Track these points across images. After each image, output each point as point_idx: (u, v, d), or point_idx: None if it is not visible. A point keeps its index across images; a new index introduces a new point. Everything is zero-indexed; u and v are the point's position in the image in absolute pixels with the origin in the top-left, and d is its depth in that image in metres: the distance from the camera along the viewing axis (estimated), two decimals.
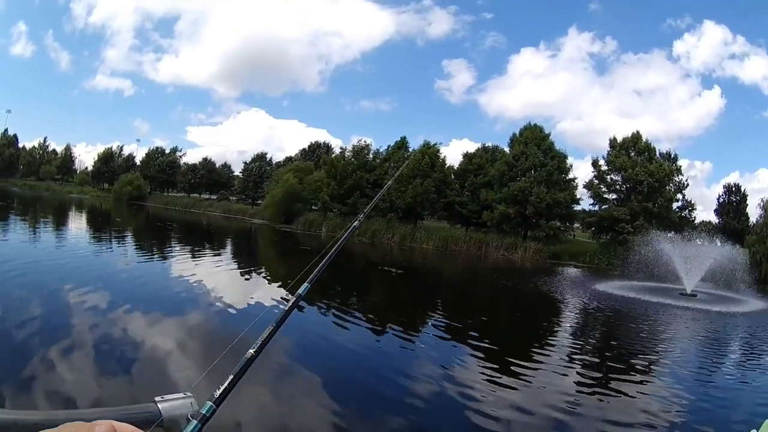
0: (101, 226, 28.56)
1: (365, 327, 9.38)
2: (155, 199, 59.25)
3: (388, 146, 42.48)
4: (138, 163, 66.72)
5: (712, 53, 70.67)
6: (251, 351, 0.92)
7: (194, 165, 63.50)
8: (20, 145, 72.43)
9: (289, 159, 57.26)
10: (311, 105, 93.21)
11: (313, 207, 43.03)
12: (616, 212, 32.54)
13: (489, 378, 6.64)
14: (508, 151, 38.12)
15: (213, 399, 0.81)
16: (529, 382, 6.63)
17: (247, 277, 14.69)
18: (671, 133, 69.87)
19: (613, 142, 35.86)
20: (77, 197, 58.15)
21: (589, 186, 35.54)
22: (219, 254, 20.33)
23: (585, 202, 36.29)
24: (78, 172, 72.99)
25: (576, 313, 13.88)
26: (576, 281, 22.98)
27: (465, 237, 35.43)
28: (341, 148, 46.64)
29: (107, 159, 67.22)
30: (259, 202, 52.09)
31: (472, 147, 50.95)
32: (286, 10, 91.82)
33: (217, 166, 64.07)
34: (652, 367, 8.08)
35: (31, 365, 5.20)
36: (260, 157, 59.74)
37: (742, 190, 45.23)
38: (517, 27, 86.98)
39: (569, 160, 36.33)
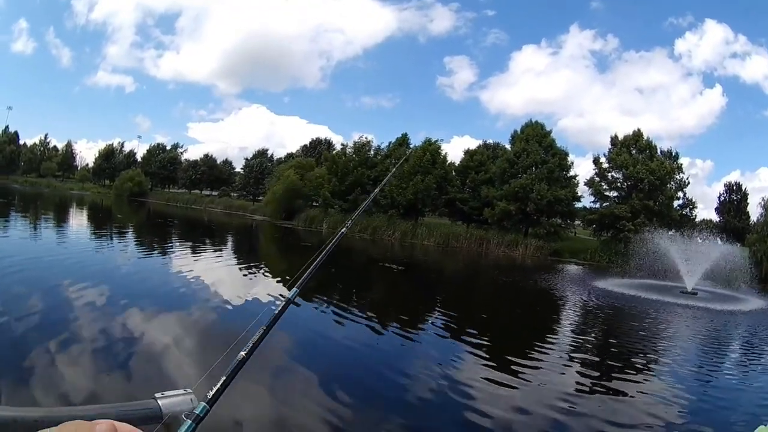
0: (102, 222, 28.61)
1: (366, 324, 9.38)
2: (156, 196, 59.34)
3: (390, 143, 42.47)
4: (139, 159, 66.90)
5: (713, 52, 70.74)
6: (242, 353, 0.93)
7: (195, 161, 63.62)
8: (21, 142, 72.85)
9: (290, 155, 57.31)
10: (312, 101, 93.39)
11: (314, 203, 43.04)
12: (617, 210, 32.52)
13: (489, 375, 6.64)
14: (509, 148, 38.11)
15: (206, 400, 0.81)
16: (529, 380, 6.62)
17: (248, 273, 14.69)
18: (672, 131, 70.01)
19: (614, 140, 35.83)
20: (78, 194, 58.24)
21: (590, 183, 35.53)
22: (220, 250, 20.34)
23: (586, 200, 36.42)
24: (79, 168, 73.11)
25: (576, 311, 13.87)
26: (577, 278, 22.98)
27: (466, 234, 35.44)
28: (342, 144, 46.76)
29: (108, 155, 67.28)
30: (260, 198, 52.14)
31: (473, 144, 51.08)
32: (288, 6, 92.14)
33: (218, 162, 64.15)
34: (652, 365, 8.07)
35: (30, 361, 5.20)
36: (261, 154, 59.74)
37: (743, 188, 45.38)
38: (518, 24, 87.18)
39: (570, 158, 36.38)
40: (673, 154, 35.34)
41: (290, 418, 4.87)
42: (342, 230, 1.57)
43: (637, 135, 35.14)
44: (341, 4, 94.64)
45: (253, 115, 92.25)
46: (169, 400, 0.87)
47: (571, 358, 8.03)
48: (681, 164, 34.80)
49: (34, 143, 74.07)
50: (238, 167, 62.77)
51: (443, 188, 38.40)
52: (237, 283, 12.31)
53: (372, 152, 41.71)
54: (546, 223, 34.14)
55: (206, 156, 63.89)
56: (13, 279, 9.21)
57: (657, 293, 16.75)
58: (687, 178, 34.47)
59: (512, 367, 7.08)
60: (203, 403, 0.80)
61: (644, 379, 7.13)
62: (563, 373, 7.12)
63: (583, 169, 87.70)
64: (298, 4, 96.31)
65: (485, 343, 8.52)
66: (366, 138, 42.64)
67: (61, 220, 26.89)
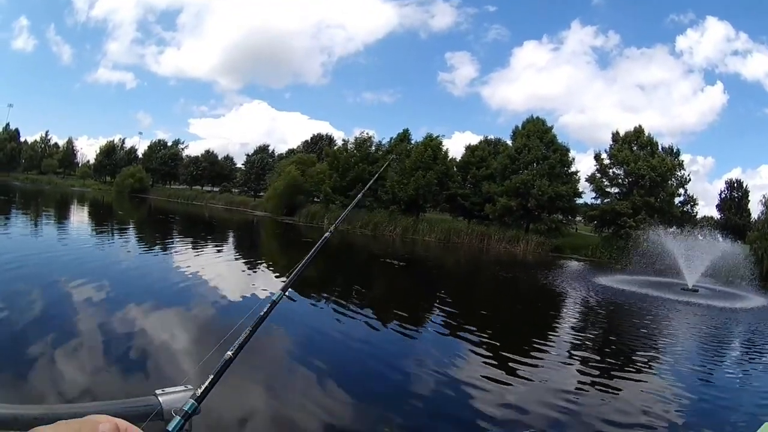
0: (103, 219, 28.63)
1: (366, 320, 9.38)
2: (157, 192, 59.39)
3: (391, 138, 42.49)
4: (140, 155, 66.85)
5: (714, 49, 70.19)
6: (229, 353, 0.95)
7: (196, 157, 63.55)
8: (22, 139, 72.77)
9: (291, 151, 57.23)
10: (314, 97, 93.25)
11: (316, 199, 43.04)
12: (618, 206, 32.47)
13: (490, 372, 6.64)
14: (510, 144, 38.00)
15: (195, 397, 0.83)
16: (530, 376, 6.62)
17: (249, 268, 14.71)
18: (674, 128, 69.81)
19: (615, 136, 35.72)
20: (79, 190, 58.31)
21: (591, 179, 35.45)
22: (221, 247, 20.35)
23: (587, 196, 36.33)
24: (80, 165, 73.18)
25: (577, 307, 13.87)
26: (578, 275, 22.98)
27: (467, 229, 35.43)
28: (344, 140, 46.64)
29: (109, 152, 67.20)
30: (262, 194, 52.13)
31: (474, 139, 50.82)
32: (289, 2, 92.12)
33: (220, 158, 64.07)
34: (653, 363, 8.06)
35: (29, 358, 5.20)
36: (262, 149, 59.70)
37: (744, 186, 45.19)
38: (520, 20, 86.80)
39: (571, 154, 36.26)
40: (675, 150, 35.27)
41: (291, 415, 4.88)
42: (326, 234, 1.60)
43: (639, 131, 35.04)
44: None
45: (254, 111, 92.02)
46: (169, 397, 0.88)
47: (571, 355, 8.04)
48: (682, 161, 34.76)
49: (35, 140, 74.18)
50: (239, 163, 62.87)
51: (444, 184, 38.39)
52: (238, 279, 12.33)
53: (373, 148, 41.68)
54: (547, 219, 34.10)
55: (207, 152, 63.92)
56: (12, 275, 9.22)
57: (658, 290, 16.74)
58: (688, 175, 34.45)
59: (513, 363, 7.08)
60: (192, 400, 0.82)
61: (645, 377, 7.12)
62: (564, 370, 7.13)
63: (584, 165, 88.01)
64: (300, 0, 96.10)
65: (486, 339, 8.52)
66: (367, 134, 42.67)
67: (61, 217, 26.93)
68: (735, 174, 70.75)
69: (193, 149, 72.21)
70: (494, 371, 6.71)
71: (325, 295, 10.90)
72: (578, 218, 39.24)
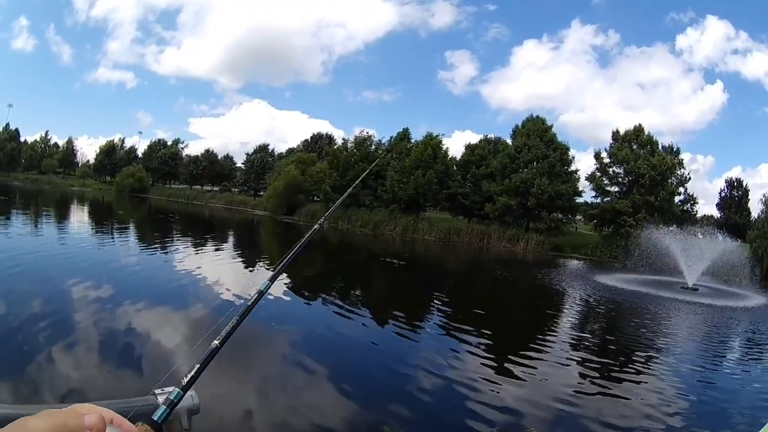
0: (102, 218, 28.62)
1: (367, 319, 9.38)
2: (157, 191, 59.37)
3: (391, 137, 42.48)
4: (140, 155, 66.81)
5: (714, 48, 70.56)
6: (216, 342, 0.94)
7: (196, 157, 63.54)
8: (22, 139, 72.79)
9: (291, 150, 57.23)
10: (314, 96, 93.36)
11: (315, 198, 43.04)
12: (618, 205, 32.48)
13: (490, 372, 6.64)
14: (510, 143, 38.01)
15: (180, 386, 0.83)
16: (530, 376, 6.61)
17: (249, 267, 14.71)
18: (673, 126, 70.00)
19: (615, 135, 35.72)
20: (79, 190, 58.27)
21: (591, 178, 35.45)
22: (221, 245, 20.35)
23: (587, 195, 36.32)
24: (80, 165, 73.14)
25: (577, 306, 13.86)
26: (578, 273, 22.99)
27: (467, 228, 35.44)
28: (343, 139, 46.65)
29: (109, 152, 67.20)
30: (261, 193, 52.14)
31: (474, 138, 50.96)
32: (289, 1, 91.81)
33: (220, 157, 64.06)
34: (653, 363, 8.04)
35: (28, 358, 5.18)
36: (262, 149, 59.68)
37: (744, 184, 45.32)
38: (520, 19, 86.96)
39: (571, 152, 36.28)
40: (674, 149, 35.26)
41: (291, 415, 4.87)
42: (315, 226, 1.60)
43: (639, 130, 35.03)
44: None
45: (254, 110, 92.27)
46: (168, 396, 0.87)
47: (572, 354, 8.03)
48: (682, 160, 34.72)
49: (35, 140, 74.18)
50: (239, 162, 62.91)
51: (444, 183, 38.38)
52: (237, 278, 12.32)
53: (373, 147, 41.66)
54: (547, 218, 34.10)
55: (207, 151, 63.93)
56: (10, 273, 9.22)
57: (658, 289, 16.75)
58: (688, 174, 34.43)
59: (513, 363, 7.08)
60: (177, 389, 0.82)
61: (645, 377, 7.10)
62: (564, 370, 7.11)
63: (584, 164, 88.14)
64: None
65: (486, 338, 8.52)
66: (367, 132, 42.66)
67: (61, 216, 26.91)
68: (735, 173, 70.93)
69: (193, 148, 72.54)
70: (494, 371, 6.71)
71: (325, 294, 10.89)
72: (578, 217, 39.22)
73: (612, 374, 7.10)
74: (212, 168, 62.29)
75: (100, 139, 74.63)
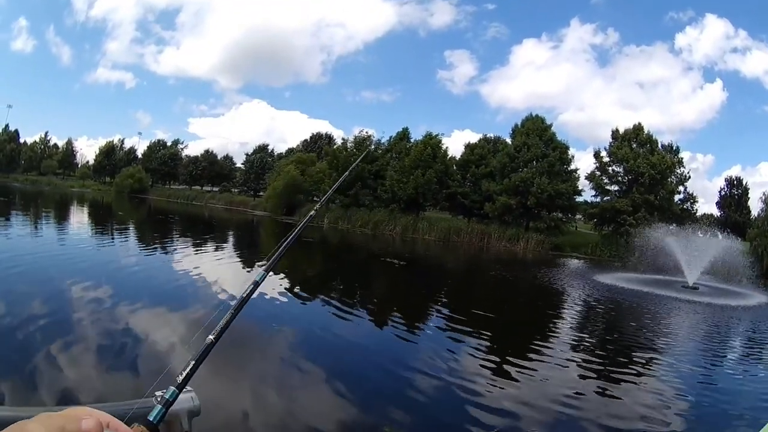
0: (102, 219, 28.60)
1: (367, 319, 9.38)
2: (157, 192, 59.35)
3: (390, 137, 42.45)
4: (139, 156, 66.75)
5: (714, 47, 70.28)
6: (210, 337, 0.93)
7: (196, 157, 63.46)
8: (21, 140, 72.75)
9: (290, 150, 57.21)
10: (313, 96, 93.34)
11: (315, 198, 43.00)
12: (618, 204, 32.49)
13: (491, 370, 6.64)
14: (509, 142, 38.01)
15: (176, 384, 0.81)
16: (530, 376, 6.60)
17: (248, 266, 14.69)
18: (673, 125, 69.99)
19: (615, 134, 35.73)
20: (79, 191, 58.21)
21: (590, 177, 35.44)
22: (220, 246, 20.32)
23: (587, 194, 36.32)
24: (79, 166, 73.02)
25: (578, 306, 13.85)
26: (578, 273, 22.97)
27: (467, 228, 35.43)
28: (343, 138, 46.70)
29: (109, 152, 67.10)
30: (261, 193, 52.09)
31: (473, 138, 50.75)
32: (289, 1, 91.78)
33: (219, 157, 63.98)
34: (653, 363, 8.03)
35: (28, 360, 5.17)
36: (262, 149, 59.61)
37: (744, 183, 45.32)
38: (519, 18, 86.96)
39: (571, 152, 36.24)
40: (674, 148, 35.27)
41: (291, 415, 4.87)
42: (311, 213, 1.58)
43: (638, 129, 35.03)
44: None
45: (253, 110, 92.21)
46: (163, 395, 0.86)
47: (571, 355, 8.01)
48: (682, 158, 34.74)
49: (35, 141, 74.06)
50: (239, 163, 62.81)
51: (444, 182, 38.37)
52: (239, 278, 12.30)
53: (372, 146, 41.64)
54: (547, 217, 34.11)
55: (207, 152, 63.84)
56: (9, 274, 9.20)
57: (658, 288, 16.74)
58: (688, 173, 34.45)
59: (513, 363, 7.07)
60: (173, 388, 0.81)
61: (645, 377, 7.09)
62: (564, 370, 7.10)
63: (583, 163, 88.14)
64: None
65: (486, 338, 8.52)
66: (367, 132, 42.67)
67: (61, 217, 26.89)
68: (735, 171, 70.41)
69: (192, 149, 72.54)
70: (494, 372, 6.69)
71: (325, 295, 10.88)
72: (578, 216, 39.23)
73: (612, 375, 7.09)
74: (212, 168, 62.24)
75: (99, 140, 74.51)
